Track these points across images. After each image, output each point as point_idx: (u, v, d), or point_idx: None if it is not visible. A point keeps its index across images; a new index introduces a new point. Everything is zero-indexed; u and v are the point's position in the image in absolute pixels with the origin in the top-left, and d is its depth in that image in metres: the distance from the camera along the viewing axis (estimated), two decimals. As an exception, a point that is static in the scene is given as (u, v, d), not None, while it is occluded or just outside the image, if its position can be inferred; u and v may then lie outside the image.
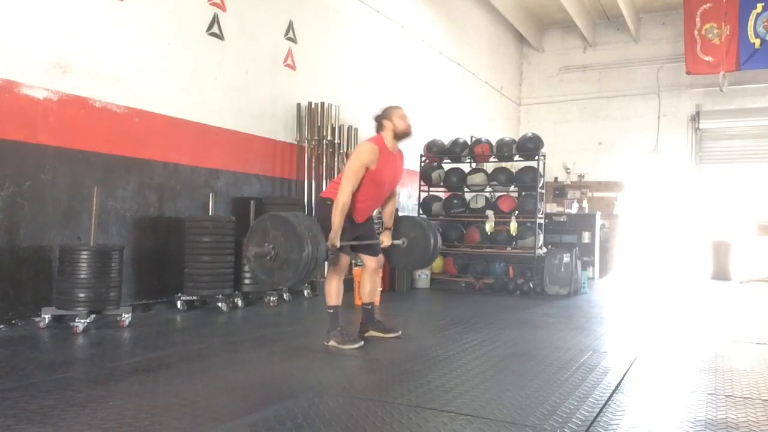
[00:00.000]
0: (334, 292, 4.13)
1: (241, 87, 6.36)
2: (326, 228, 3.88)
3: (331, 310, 4.12)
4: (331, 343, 4.01)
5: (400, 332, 4.42)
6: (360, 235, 4.24)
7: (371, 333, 4.39)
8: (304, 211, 6.70)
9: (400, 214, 8.18)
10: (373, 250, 4.37)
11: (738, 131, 12.18)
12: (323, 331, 4.19)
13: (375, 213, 4.62)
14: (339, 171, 4.42)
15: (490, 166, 8.73)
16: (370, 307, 4.45)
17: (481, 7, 11.53)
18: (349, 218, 4.07)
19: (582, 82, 13.18)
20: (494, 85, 12.43)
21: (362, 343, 4.02)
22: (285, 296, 6.16)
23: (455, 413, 2.61)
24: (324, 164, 6.97)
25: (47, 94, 4.61)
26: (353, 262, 6.29)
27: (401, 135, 4.15)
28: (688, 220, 12.13)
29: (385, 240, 4.42)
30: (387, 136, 4.14)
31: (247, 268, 5.73)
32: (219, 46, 6.09)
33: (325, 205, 4.07)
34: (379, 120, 4.19)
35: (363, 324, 4.43)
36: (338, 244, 3.93)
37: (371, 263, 4.39)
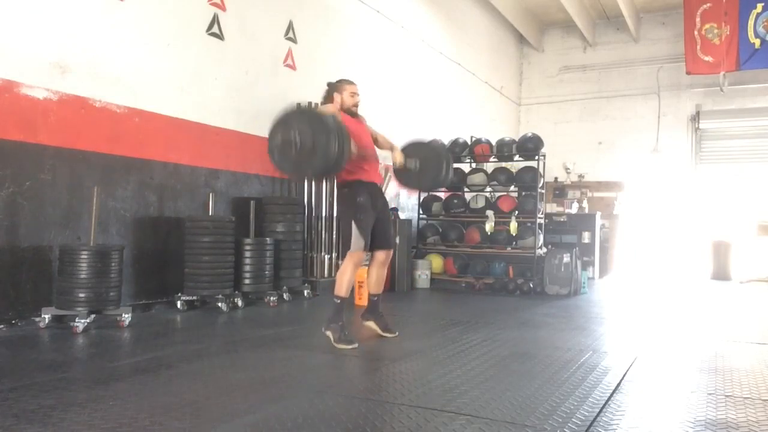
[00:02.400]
0: (346, 282, 4.13)
1: (241, 87, 6.36)
2: (349, 207, 4.05)
3: (338, 301, 4.12)
4: (327, 333, 4.02)
5: (397, 333, 4.42)
6: (379, 219, 4.25)
7: (371, 324, 4.43)
8: (304, 213, 6.71)
9: (401, 216, 8.24)
10: (388, 242, 4.39)
11: (738, 131, 12.17)
12: (323, 331, 4.19)
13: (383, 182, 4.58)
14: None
15: (490, 166, 8.74)
16: (376, 298, 4.48)
17: (481, 7, 11.53)
18: (365, 186, 4.15)
19: (582, 82, 13.18)
20: (494, 85, 12.42)
21: (356, 345, 3.98)
22: (285, 296, 6.16)
23: (455, 413, 2.61)
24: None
25: (47, 94, 4.61)
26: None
27: (347, 111, 4.23)
28: (688, 220, 12.12)
29: (398, 157, 4.35)
30: (335, 107, 4.19)
31: (247, 268, 5.75)
32: (219, 46, 6.09)
33: (342, 191, 4.20)
34: (330, 91, 4.28)
35: (366, 313, 4.50)
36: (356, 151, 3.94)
37: (381, 255, 4.39)
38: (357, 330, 4.42)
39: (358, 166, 4.17)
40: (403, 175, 4.54)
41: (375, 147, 4.40)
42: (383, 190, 4.55)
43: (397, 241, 4.63)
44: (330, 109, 4.14)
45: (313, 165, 3.62)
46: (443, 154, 4.58)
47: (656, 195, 12.47)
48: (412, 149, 4.52)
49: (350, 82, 4.33)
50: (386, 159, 4.78)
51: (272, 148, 3.66)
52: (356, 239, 4.10)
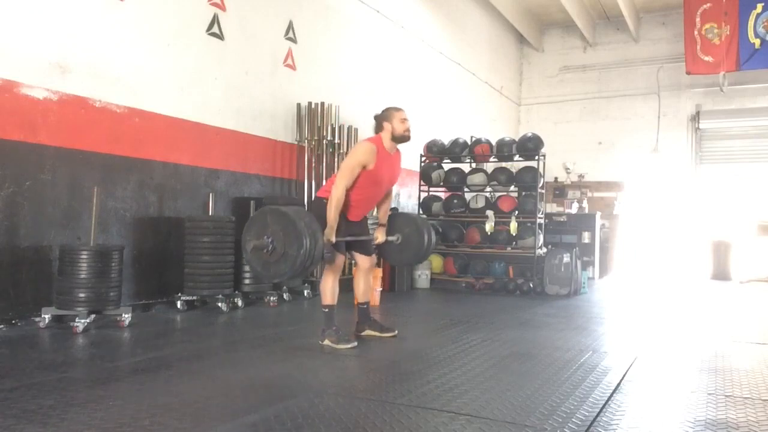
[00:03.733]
0: (329, 291, 4.14)
1: (241, 87, 6.36)
2: (322, 225, 3.89)
3: (326, 309, 4.13)
4: (326, 342, 4.01)
5: (396, 332, 4.42)
6: (354, 233, 4.25)
7: (368, 332, 4.40)
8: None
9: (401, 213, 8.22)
10: (366, 249, 4.37)
11: (738, 131, 12.18)
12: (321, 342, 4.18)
13: (371, 213, 4.64)
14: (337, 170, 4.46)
15: (490, 166, 8.73)
16: (365, 306, 4.47)
17: (481, 7, 11.53)
18: (343, 217, 4.09)
19: (582, 82, 13.18)
20: (494, 85, 12.42)
21: (356, 343, 4.01)
22: (285, 296, 6.16)
23: (455, 413, 2.61)
24: (324, 164, 6.97)
25: (47, 94, 4.61)
26: (351, 262, 6.30)
27: (399, 139, 4.15)
28: (688, 220, 12.12)
29: (380, 236, 4.42)
30: (385, 137, 4.15)
31: (247, 268, 5.75)
32: (219, 46, 6.09)
33: (321, 203, 4.08)
34: (379, 120, 4.18)
35: (359, 323, 4.45)
36: (334, 240, 3.93)
37: (364, 263, 4.40)
38: (365, 336, 4.41)
39: (357, 206, 4.14)
40: (386, 250, 4.62)
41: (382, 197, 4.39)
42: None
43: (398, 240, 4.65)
44: (363, 156, 4.00)
45: (281, 271, 3.71)
46: (423, 226, 4.62)
47: (656, 195, 12.47)
48: (395, 224, 4.57)
49: (399, 109, 4.18)
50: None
51: (245, 247, 3.76)
52: (329, 250, 4.03)
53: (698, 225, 12.01)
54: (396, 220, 4.65)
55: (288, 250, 3.61)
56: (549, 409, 2.71)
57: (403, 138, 4.15)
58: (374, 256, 4.49)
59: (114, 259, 4.51)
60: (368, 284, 4.49)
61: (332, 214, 3.93)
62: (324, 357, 3.75)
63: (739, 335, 5.04)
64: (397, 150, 4.25)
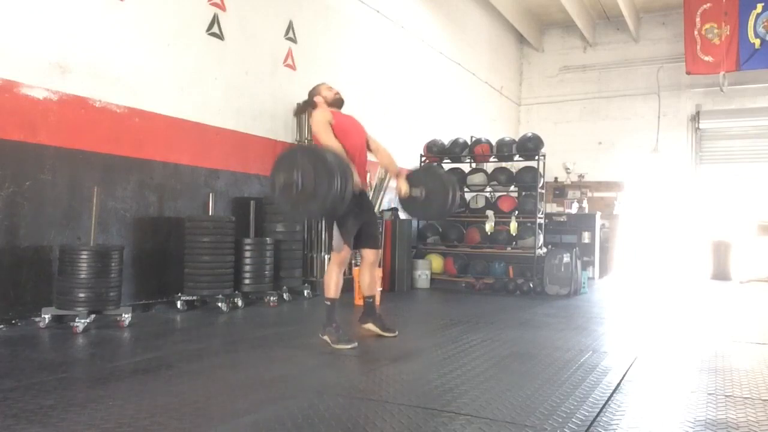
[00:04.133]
0: (333, 284, 4.15)
1: (241, 87, 6.36)
2: (331, 223, 4.08)
3: (329, 302, 4.13)
4: (325, 338, 4.02)
5: (396, 333, 4.41)
6: (366, 221, 4.25)
7: (369, 326, 4.41)
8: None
9: (401, 216, 8.23)
10: (374, 242, 4.37)
11: (738, 131, 12.17)
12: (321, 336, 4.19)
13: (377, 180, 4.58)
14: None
15: (490, 166, 8.74)
16: (371, 300, 4.47)
17: (481, 7, 11.53)
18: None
19: (582, 82, 13.18)
20: (494, 85, 12.42)
21: (356, 344, 3.97)
22: (285, 296, 6.16)
23: (455, 413, 2.61)
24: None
25: (47, 94, 4.61)
26: (353, 261, 6.30)
27: (334, 103, 4.33)
28: (688, 220, 12.12)
29: (403, 187, 4.28)
30: (323, 108, 4.31)
31: (247, 268, 5.75)
32: (219, 46, 6.09)
33: None
34: (311, 98, 4.41)
35: (363, 316, 4.48)
36: (360, 185, 4.00)
37: (370, 256, 4.38)
38: (356, 332, 4.41)
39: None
40: (408, 204, 4.49)
41: (366, 150, 4.40)
42: (383, 187, 4.56)
43: (385, 236, 4.64)
44: (323, 114, 4.18)
45: (311, 209, 3.68)
46: (449, 183, 4.48)
47: (656, 195, 12.47)
48: (417, 177, 4.46)
49: (321, 83, 4.52)
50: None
51: (274, 188, 3.72)
52: (336, 240, 4.12)
53: (698, 225, 12.01)
54: (420, 173, 4.62)
55: (319, 189, 3.53)
56: (549, 409, 2.71)
57: (337, 101, 4.35)
58: (379, 251, 4.48)
59: (114, 259, 4.51)
60: (374, 278, 4.46)
61: (333, 146, 3.97)
62: (324, 357, 3.75)
63: (739, 335, 5.04)
64: (349, 115, 4.41)
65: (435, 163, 6.88)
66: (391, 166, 4.47)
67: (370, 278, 4.42)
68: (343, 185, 3.54)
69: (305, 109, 4.38)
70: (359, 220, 4.18)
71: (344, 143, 4.14)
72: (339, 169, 3.58)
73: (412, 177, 4.45)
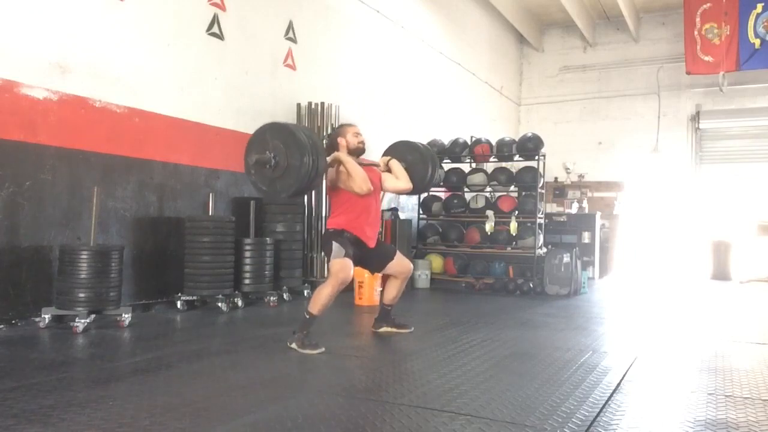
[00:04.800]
0: (321, 301, 3.90)
1: (241, 87, 6.36)
2: (330, 244, 4.03)
3: (308, 316, 3.91)
4: (293, 346, 3.84)
5: (412, 328, 4.51)
6: (373, 255, 4.25)
7: (385, 329, 4.46)
8: (304, 213, 6.71)
9: (401, 216, 8.24)
10: (388, 254, 4.36)
11: (738, 131, 12.18)
12: (323, 331, 4.18)
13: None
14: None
15: (490, 166, 8.73)
16: (389, 308, 4.51)
17: (481, 7, 11.53)
18: (360, 244, 4.12)
19: (582, 82, 13.18)
20: (494, 85, 12.42)
21: (323, 349, 3.80)
22: (285, 296, 6.16)
23: (455, 413, 2.61)
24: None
25: (47, 94, 4.61)
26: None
27: (355, 151, 4.22)
28: (688, 220, 12.12)
29: (381, 163, 4.42)
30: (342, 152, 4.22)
31: (247, 267, 5.74)
32: (219, 46, 6.09)
33: (328, 231, 4.17)
34: (333, 138, 4.29)
35: (377, 322, 4.51)
36: (344, 158, 4.00)
37: (400, 273, 4.39)
38: (366, 336, 4.41)
39: (356, 224, 4.13)
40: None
41: (380, 203, 4.41)
42: (382, 191, 4.54)
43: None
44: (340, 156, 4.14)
45: (287, 185, 3.69)
46: (429, 157, 4.60)
47: (656, 195, 12.47)
48: (398, 151, 4.54)
49: (351, 124, 4.37)
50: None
51: (248, 167, 3.76)
52: (336, 250, 4.00)
53: (698, 225, 12.01)
54: (399, 147, 4.63)
55: (291, 161, 3.59)
56: (549, 409, 2.71)
57: (358, 150, 4.24)
58: (404, 259, 4.45)
59: (114, 259, 4.51)
60: (399, 292, 4.47)
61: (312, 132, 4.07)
62: (324, 357, 3.74)
63: (739, 335, 5.04)
64: (373, 165, 4.33)
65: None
66: (399, 172, 4.46)
67: (396, 291, 4.45)
68: (315, 157, 3.60)
69: (330, 147, 4.30)
70: (359, 251, 4.13)
71: (361, 200, 4.11)
72: (309, 142, 3.63)
73: (393, 150, 4.52)
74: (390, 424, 2.45)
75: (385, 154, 4.65)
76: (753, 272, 10.51)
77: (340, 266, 3.95)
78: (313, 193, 6.87)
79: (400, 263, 4.40)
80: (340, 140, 4.23)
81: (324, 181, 4.35)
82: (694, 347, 4.47)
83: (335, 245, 4.02)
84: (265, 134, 3.75)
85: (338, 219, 4.15)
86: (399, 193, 4.64)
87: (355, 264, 4.09)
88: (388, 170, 4.44)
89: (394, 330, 4.47)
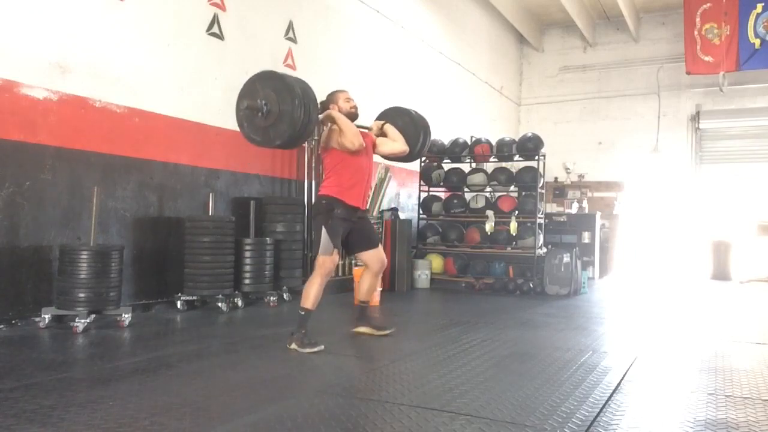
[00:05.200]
0: (312, 295, 4.01)
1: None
2: (321, 223, 4.03)
3: (303, 312, 3.99)
4: (293, 346, 3.86)
5: (392, 330, 4.44)
6: (356, 228, 4.25)
7: (363, 329, 4.42)
8: (304, 213, 6.71)
9: (401, 216, 8.24)
10: (371, 241, 4.36)
11: (738, 131, 12.18)
12: (322, 331, 4.18)
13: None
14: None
15: (490, 166, 8.73)
16: (365, 305, 4.49)
17: (481, 7, 11.53)
18: (345, 207, 4.11)
19: (582, 82, 13.17)
20: (494, 85, 12.42)
21: (322, 347, 3.84)
22: (285, 296, 6.16)
23: (455, 413, 2.61)
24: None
25: (47, 94, 4.61)
26: (353, 262, 6.30)
27: (347, 116, 4.24)
28: (688, 220, 12.12)
29: (374, 127, 4.42)
30: None
31: (247, 267, 5.74)
32: (219, 46, 6.09)
33: (320, 202, 4.17)
34: (325, 105, 4.30)
35: (356, 321, 4.50)
36: (335, 115, 4.02)
37: (374, 263, 4.39)
38: (350, 337, 4.41)
39: (348, 185, 4.14)
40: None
41: (372, 169, 4.41)
42: (383, 187, 4.56)
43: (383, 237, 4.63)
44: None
45: (280, 132, 3.66)
46: (420, 124, 4.58)
47: (656, 195, 12.47)
48: (389, 117, 4.54)
49: (342, 90, 4.40)
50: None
51: (240, 116, 3.74)
52: (325, 243, 4.03)
53: (698, 225, 12.01)
54: (390, 113, 4.63)
55: (283, 106, 3.57)
56: (549, 409, 2.71)
57: (351, 115, 4.26)
58: (382, 253, 4.44)
59: (114, 259, 4.51)
60: (373, 286, 4.49)
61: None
62: (324, 357, 3.75)
63: (739, 335, 5.04)
64: (366, 131, 4.36)
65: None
66: (393, 134, 4.48)
67: (369, 285, 4.45)
68: (306, 101, 3.59)
69: (321, 112, 4.32)
70: (348, 227, 4.16)
71: (352, 159, 4.13)
72: (299, 88, 3.62)
73: (386, 115, 4.53)
74: (390, 424, 2.45)
75: (378, 119, 4.63)
76: (753, 272, 10.52)
77: (325, 254, 4.04)
78: (313, 193, 6.87)
79: (378, 255, 4.40)
80: (332, 107, 4.27)
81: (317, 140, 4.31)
82: (694, 347, 4.47)
83: (324, 236, 4.03)
84: (255, 83, 3.74)
85: (330, 183, 4.15)
86: (395, 156, 4.57)
87: (343, 243, 4.14)
88: (383, 135, 4.45)
89: (371, 332, 4.39)
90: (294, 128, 3.63)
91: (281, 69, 6.85)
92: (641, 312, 6.64)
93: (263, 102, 3.63)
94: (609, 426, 2.52)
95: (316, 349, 3.82)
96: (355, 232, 4.26)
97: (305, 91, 3.67)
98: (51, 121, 4.63)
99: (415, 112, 4.75)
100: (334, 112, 4.12)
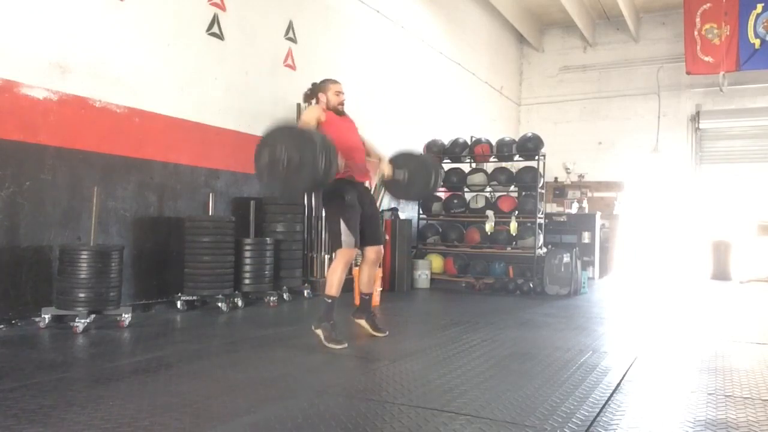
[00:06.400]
0: (336, 281, 4.11)
1: (241, 87, 6.36)
2: (337, 219, 4.09)
3: (329, 300, 4.10)
4: (318, 332, 4.01)
5: (387, 333, 4.43)
6: (367, 215, 4.27)
7: (362, 323, 4.43)
8: (304, 213, 6.72)
9: (401, 215, 8.24)
10: (376, 238, 4.38)
11: (738, 131, 12.18)
12: (313, 329, 4.17)
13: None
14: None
15: (490, 166, 8.74)
16: (368, 297, 4.49)
17: (481, 7, 11.53)
18: (352, 184, 4.17)
19: (582, 82, 13.18)
20: (494, 85, 12.42)
21: (346, 345, 3.94)
22: (285, 296, 6.16)
23: (455, 413, 2.61)
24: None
25: (47, 94, 4.61)
26: (353, 262, 6.29)
27: (332, 109, 4.30)
28: (688, 220, 12.12)
29: (386, 170, 4.38)
30: (320, 107, 4.31)
31: (247, 268, 5.74)
32: (219, 46, 6.09)
33: (328, 191, 4.18)
34: (315, 91, 4.35)
35: (358, 311, 4.50)
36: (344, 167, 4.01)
37: (371, 254, 4.39)
38: (349, 328, 4.41)
39: (345, 165, 4.14)
40: (392, 186, 4.56)
41: (363, 147, 4.44)
42: (382, 191, 4.57)
43: (387, 238, 4.62)
44: (313, 111, 4.22)
45: (302, 180, 3.67)
46: (431, 165, 4.62)
47: (656, 195, 12.47)
48: (400, 160, 4.55)
49: (335, 81, 4.41)
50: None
51: (260, 168, 3.72)
52: (346, 236, 4.10)
53: (698, 225, 12.01)
54: (402, 156, 4.65)
55: (304, 155, 3.56)
56: (549, 409, 2.71)
57: (336, 110, 4.32)
58: (381, 248, 4.47)
59: (114, 259, 4.51)
60: (372, 276, 4.48)
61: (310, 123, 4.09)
62: (324, 357, 3.75)
63: (739, 335, 5.04)
64: (347, 117, 4.40)
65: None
66: (373, 153, 4.54)
67: (368, 276, 4.45)
68: (327, 154, 3.60)
69: (310, 97, 4.40)
70: (359, 212, 4.19)
71: (337, 140, 4.10)
72: (318, 138, 3.65)
73: (395, 160, 4.53)
74: (390, 424, 2.45)
75: (391, 160, 4.58)
76: (753, 272, 10.52)
77: (348, 246, 4.10)
78: (313, 193, 6.87)
79: (378, 249, 4.43)
80: (321, 96, 4.32)
81: None
82: (694, 347, 4.47)
83: (345, 230, 4.07)
84: (275, 133, 3.74)
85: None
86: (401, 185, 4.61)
87: (359, 218, 4.19)
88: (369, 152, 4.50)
89: (369, 329, 4.40)
90: (316, 175, 3.62)
91: (281, 69, 6.87)
92: (641, 312, 6.64)
93: (283, 152, 3.60)
94: (609, 426, 2.52)
95: (339, 347, 3.90)
96: (367, 220, 4.28)
97: (323, 140, 3.67)
98: (51, 121, 4.63)
99: (424, 155, 4.81)
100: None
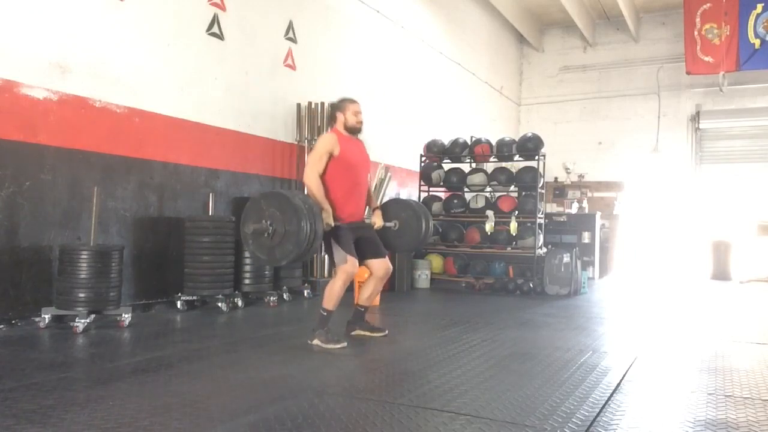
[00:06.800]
0: (334, 296, 4.08)
1: (241, 87, 6.36)
2: (329, 240, 4.05)
3: (325, 313, 4.07)
4: (315, 342, 3.98)
5: (386, 331, 4.42)
6: (363, 236, 4.26)
7: (358, 332, 4.40)
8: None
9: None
10: (378, 251, 4.32)
11: (738, 131, 12.18)
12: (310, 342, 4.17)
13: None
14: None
15: (490, 166, 8.73)
16: (363, 309, 4.44)
17: (481, 7, 11.53)
18: (347, 226, 4.13)
19: (582, 82, 13.18)
20: (494, 85, 12.42)
21: (345, 343, 3.97)
22: (285, 296, 6.16)
23: (455, 413, 2.61)
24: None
25: (47, 94, 4.61)
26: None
27: (351, 130, 4.27)
28: (688, 220, 12.12)
29: (377, 221, 4.41)
30: (339, 127, 4.27)
31: (247, 268, 5.74)
32: (219, 46, 6.09)
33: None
34: (333, 111, 4.31)
35: (351, 323, 4.44)
36: (332, 223, 3.99)
37: (379, 270, 4.32)
38: (350, 337, 4.40)
39: (344, 202, 4.15)
40: (383, 236, 4.51)
41: (368, 182, 4.44)
42: (383, 187, 4.56)
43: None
44: (327, 144, 4.14)
45: (287, 250, 3.70)
46: (422, 214, 4.60)
47: (656, 195, 12.47)
48: (391, 209, 4.58)
49: (352, 101, 4.32)
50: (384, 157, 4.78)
51: (245, 237, 3.77)
52: (339, 255, 4.08)
53: (698, 225, 12.01)
54: (392, 205, 4.67)
55: (288, 227, 3.60)
56: (549, 409, 2.71)
57: (354, 129, 4.29)
58: (389, 262, 4.41)
59: (114, 259, 4.51)
60: (375, 292, 4.43)
61: (318, 198, 4.00)
62: (324, 357, 3.75)
63: (739, 335, 5.04)
64: (358, 139, 4.35)
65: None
66: (373, 202, 4.57)
67: (371, 291, 4.38)
68: (312, 221, 3.62)
69: (331, 117, 4.34)
70: (354, 235, 4.17)
71: (346, 173, 4.15)
72: (305, 206, 3.65)
73: (387, 209, 4.55)
74: (390, 424, 2.45)
75: (381, 208, 4.61)
76: (753, 272, 10.52)
77: (348, 264, 4.06)
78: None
79: (385, 263, 4.36)
80: (339, 115, 4.27)
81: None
82: (694, 347, 4.47)
83: (337, 249, 4.06)
84: (260, 203, 3.77)
85: (328, 196, 4.11)
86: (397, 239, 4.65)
87: (352, 237, 4.15)
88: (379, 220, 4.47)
89: (367, 334, 4.38)
90: (300, 248, 3.65)
91: (281, 69, 6.87)
92: (641, 312, 6.64)
93: (269, 223, 3.66)
94: (609, 426, 2.52)
95: (339, 346, 3.92)
96: (363, 240, 4.26)
97: (310, 209, 3.67)
98: (51, 121, 4.63)
99: (416, 203, 4.86)
100: (324, 213, 3.97)
